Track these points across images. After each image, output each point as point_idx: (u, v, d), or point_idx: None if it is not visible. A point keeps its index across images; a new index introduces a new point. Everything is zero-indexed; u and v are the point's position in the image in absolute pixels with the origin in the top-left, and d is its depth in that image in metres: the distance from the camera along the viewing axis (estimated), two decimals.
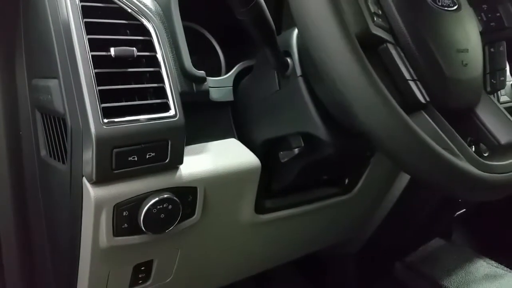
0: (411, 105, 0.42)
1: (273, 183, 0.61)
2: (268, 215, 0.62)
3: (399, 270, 0.97)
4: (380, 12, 0.42)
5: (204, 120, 0.57)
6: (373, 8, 0.41)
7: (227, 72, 0.68)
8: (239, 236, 0.62)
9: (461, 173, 0.38)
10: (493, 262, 0.99)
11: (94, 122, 0.42)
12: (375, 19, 0.40)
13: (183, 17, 0.57)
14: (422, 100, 0.42)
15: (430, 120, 0.42)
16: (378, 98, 0.34)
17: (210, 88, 0.55)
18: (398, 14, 0.42)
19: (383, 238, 0.91)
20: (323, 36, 0.34)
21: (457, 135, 0.42)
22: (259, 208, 0.60)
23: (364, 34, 0.40)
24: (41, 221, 0.58)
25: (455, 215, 1.10)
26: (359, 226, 0.86)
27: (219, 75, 0.68)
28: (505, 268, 0.97)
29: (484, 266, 0.97)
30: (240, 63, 0.61)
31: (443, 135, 0.41)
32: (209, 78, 0.55)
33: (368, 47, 0.40)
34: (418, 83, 0.42)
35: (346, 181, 0.71)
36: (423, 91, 0.42)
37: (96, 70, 0.43)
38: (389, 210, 0.86)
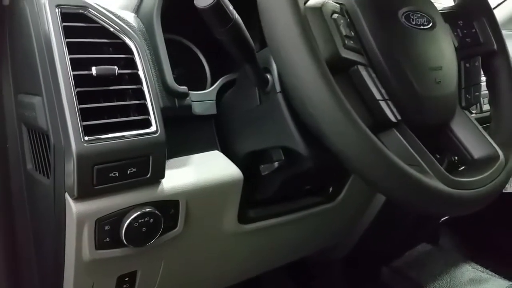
0: (382, 124, 0.43)
1: (256, 193, 0.63)
2: (252, 224, 0.63)
3: (386, 275, 0.99)
4: (353, 34, 0.43)
5: (187, 133, 0.58)
6: (344, 31, 0.42)
7: (212, 84, 0.69)
8: (223, 246, 0.64)
9: (429, 191, 0.39)
10: (479, 266, 1.01)
11: (75, 140, 0.43)
12: (346, 42, 0.42)
13: (169, 30, 0.58)
14: (393, 119, 0.43)
15: (401, 138, 0.43)
16: (346, 122, 0.35)
17: (193, 102, 0.56)
18: (371, 35, 0.44)
19: (370, 243, 0.93)
20: (293, 62, 0.36)
21: (427, 152, 0.43)
22: (243, 218, 0.61)
23: (334, 58, 0.41)
24: (28, 233, 0.59)
25: (441, 220, 1.12)
26: (345, 232, 0.88)
27: (205, 87, 0.70)
28: (490, 273, 0.99)
29: (469, 271, 0.99)
30: (224, 77, 0.62)
31: (413, 152, 0.42)
32: (192, 92, 0.57)
33: (339, 69, 0.42)
34: (389, 102, 0.43)
35: (330, 189, 0.73)
36: (394, 110, 0.43)
37: (77, 89, 0.44)
38: (375, 215, 0.87)
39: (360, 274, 1.01)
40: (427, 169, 0.41)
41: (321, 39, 0.41)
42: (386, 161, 0.37)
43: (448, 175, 0.42)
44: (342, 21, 0.43)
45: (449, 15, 0.55)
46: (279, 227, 0.68)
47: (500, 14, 1.23)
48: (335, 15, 0.42)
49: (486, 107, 0.86)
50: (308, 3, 0.42)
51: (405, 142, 0.42)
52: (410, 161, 0.41)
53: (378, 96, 0.42)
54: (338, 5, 0.45)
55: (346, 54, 0.42)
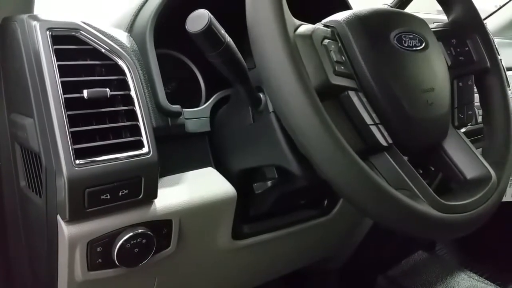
0: (373, 148, 0.43)
1: (250, 209, 0.63)
2: (246, 240, 0.63)
3: (382, 284, 0.99)
4: (344, 59, 0.43)
5: (181, 150, 0.58)
6: (335, 57, 0.42)
7: (207, 99, 0.69)
8: (217, 262, 0.64)
9: (420, 216, 0.39)
10: (474, 275, 1.01)
11: (66, 164, 0.43)
12: (336, 68, 0.42)
13: (164, 44, 0.58)
14: (384, 143, 0.43)
15: (392, 161, 0.43)
16: (335, 150, 0.35)
17: (186, 120, 0.56)
18: (362, 59, 0.43)
19: (366, 253, 0.93)
20: (283, 90, 0.36)
21: (418, 175, 0.43)
22: (237, 234, 0.61)
23: (324, 86, 0.41)
24: (22, 250, 0.59)
25: None
26: (341, 244, 0.88)
27: (199, 101, 0.70)
28: (485, 281, 0.99)
29: (465, 280, 0.99)
30: (217, 93, 0.62)
31: (404, 176, 0.42)
32: (185, 110, 0.57)
33: (330, 96, 0.42)
34: (380, 126, 0.43)
35: (325, 202, 0.73)
36: (385, 133, 0.43)
37: (69, 112, 0.44)
38: (371, 226, 0.87)
39: (357, 284, 1.01)
40: (418, 193, 0.41)
41: (311, 66, 0.40)
42: (375, 188, 0.37)
43: (439, 199, 0.42)
44: (333, 46, 0.42)
45: (442, 33, 0.55)
46: (274, 241, 0.68)
47: (494, 23, 1.23)
48: (326, 41, 0.42)
49: (480, 118, 0.86)
50: (298, 31, 0.42)
51: (396, 166, 0.42)
52: (400, 185, 0.41)
53: (369, 121, 0.42)
54: (329, 29, 0.45)
55: (336, 80, 0.42)
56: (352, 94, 0.42)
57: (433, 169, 0.59)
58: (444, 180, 0.50)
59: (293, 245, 0.74)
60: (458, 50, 0.55)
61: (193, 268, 0.61)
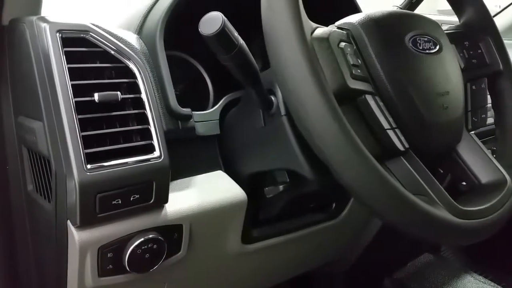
0: (389, 153, 0.42)
1: (260, 213, 0.62)
2: (255, 244, 0.63)
3: (388, 287, 0.98)
4: (360, 62, 0.43)
5: (190, 153, 0.57)
6: (352, 60, 0.41)
7: (215, 101, 0.69)
8: (226, 267, 0.63)
9: (438, 222, 0.38)
10: (481, 277, 1.01)
11: (77, 168, 0.42)
12: (353, 71, 0.41)
13: (172, 47, 0.57)
14: (401, 148, 0.42)
15: (409, 166, 0.42)
16: (354, 156, 0.35)
17: (196, 123, 0.56)
18: (378, 62, 0.43)
19: (372, 255, 0.92)
20: (301, 94, 0.35)
21: (435, 180, 0.43)
22: (246, 238, 0.61)
23: (342, 89, 0.40)
24: (29, 256, 0.58)
25: None
26: (348, 247, 0.87)
27: (207, 104, 0.69)
28: (492, 284, 0.99)
29: (471, 282, 0.99)
30: (227, 96, 0.61)
31: (421, 181, 0.42)
32: (195, 113, 0.56)
33: (347, 99, 0.41)
34: (397, 131, 0.43)
35: (333, 205, 0.72)
36: (402, 138, 0.43)
37: (79, 116, 0.43)
38: (378, 229, 0.87)
39: (363, 287, 1.01)
40: (436, 199, 0.41)
41: (329, 70, 0.40)
42: (393, 194, 0.36)
43: (457, 205, 0.42)
44: (349, 49, 0.42)
45: (454, 36, 0.55)
46: (282, 245, 0.67)
47: (498, 23, 1.22)
48: (342, 44, 0.42)
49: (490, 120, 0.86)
50: (315, 34, 0.41)
51: (413, 171, 0.42)
52: (418, 190, 0.41)
53: (386, 125, 0.42)
54: (344, 32, 0.44)
55: (354, 84, 0.41)
56: (369, 98, 0.42)
57: (446, 173, 0.58)
58: (452, 183, 0.49)
59: (301, 249, 0.74)
60: (471, 52, 0.54)
61: (202, 273, 0.61)
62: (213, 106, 0.61)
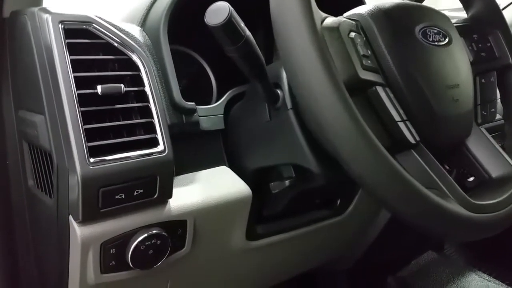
0: (399, 145, 0.41)
1: (265, 209, 0.61)
2: (260, 241, 0.62)
3: (392, 285, 0.98)
4: (370, 53, 0.42)
5: (194, 149, 0.56)
6: (362, 50, 0.40)
7: (218, 95, 0.68)
8: (230, 263, 0.62)
9: (451, 216, 0.38)
10: (485, 275, 1.00)
11: (80, 162, 0.41)
12: (363, 62, 0.40)
13: (175, 41, 0.56)
14: (412, 141, 0.41)
15: (420, 160, 0.41)
16: (367, 148, 0.34)
17: (200, 117, 0.55)
18: (388, 53, 0.42)
19: (376, 253, 0.91)
20: (311, 85, 0.34)
21: (446, 174, 0.42)
22: (251, 235, 0.60)
23: (353, 80, 0.39)
24: (29, 252, 0.57)
25: None
26: (352, 244, 0.86)
27: (210, 99, 0.68)
28: (497, 282, 0.98)
29: (476, 280, 0.98)
30: (231, 90, 0.60)
31: (432, 174, 0.41)
32: (199, 107, 0.55)
33: (357, 90, 0.40)
34: (407, 123, 0.42)
35: (338, 202, 0.71)
36: (413, 131, 0.42)
37: (82, 109, 0.42)
38: (383, 227, 0.86)
39: (366, 285, 1.00)
40: (448, 192, 0.40)
41: (339, 60, 0.39)
42: (406, 187, 0.35)
43: (469, 198, 0.41)
44: (359, 40, 0.41)
45: (463, 29, 0.54)
46: (286, 242, 0.66)
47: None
48: (352, 34, 0.41)
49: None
50: (325, 23, 0.40)
51: (424, 165, 0.41)
52: (429, 184, 0.40)
53: (397, 118, 0.41)
54: (354, 22, 0.43)
55: (365, 75, 0.40)
56: (379, 89, 0.41)
57: (452, 168, 0.57)
58: (457, 180, 0.48)
59: (305, 246, 0.73)
60: (480, 46, 0.53)
61: (206, 270, 0.60)
62: (216, 101, 0.60)
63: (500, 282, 0.99)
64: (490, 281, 0.97)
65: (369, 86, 0.41)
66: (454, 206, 0.38)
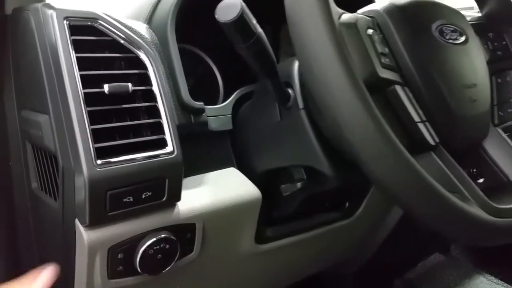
0: (418, 147, 0.40)
1: (274, 211, 0.60)
2: (269, 244, 0.60)
3: (399, 287, 0.96)
4: (387, 51, 0.40)
5: (202, 150, 0.55)
6: (380, 48, 0.39)
7: (225, 94, 0.66)
8: (238, 267, 0.61)
9: (475, 221, 0.36)
10: (493, 278, 0.99)
11: (87, 164, 0.39)
12: (382, 60, 0.39)
13: (181, 40, 0.55)
14: (432, 142, 0.40)
15: (440, 162, 0.40)
16: (388, 149, 0.32)
17: (208, 118, 0.53)
18: (405, 51, 0.41)
19: (383, 256, 0.90)
20: (329, 83, 0.32)
21: (466, 177, 0.40)
22: (259, 238, 0.58)
23: (372, 79, 0.38)
24: (33, 257, 0.55)
25: None
26: (360, 247, 0.85)
27: (217, 98, 0.67)
28: (505, 285, 0.96)
29: (484, 283, 0.97)
30: (239, 89, 0.59)
31: (453, 178, 0.39)
32: (207, 107, 0.53)
33: (376, 89, 0.39)
34: (427, 124, 0.40)
35: (347, 204, 0.70)
36: (432, 132, 0.40)
37: (89, 108, 0.41)
38: (391, 230, 0.84)
39: (373, 287, 0.98)
40: (469, 196, 0.38)
41: (358, 57, 0.37)
42: (428, 190, 0.34)
43: (491, 202, 0.39)
44: (376, 37, 0.40)
45: (478, 27, 0.52)
46: (295, 245, 0.65)
47: None
48: (370, 31, 0.39)
49: None
50: (342, 18, 0.39)
51: (444, 167, 0.39)
52: (450, 187, 0.38)
53: (416, 118, 0.39)
54: (370, 19, 0.42)
55: (384, 73, 0.39)
56: (398, 88, 0.39)
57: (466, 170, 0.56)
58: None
59: (313, 249, 0.71)
60: (495, 44, 0.52)
61: (213, 274, 0.58)
62: (222, 101, 0.58)
63: (508, 285, 0.97)
64: (498, 284, 0.96)
65: (387, 85, 0.39)
66: (477, 211, 0.37)
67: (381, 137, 0.33)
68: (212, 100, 0.65)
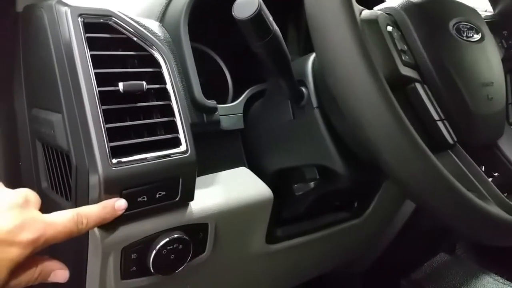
0: (438, 146, 0.40)
1: (284, 211, 0.59)
2: (279, 244, 0.60)
3: (406, 287, 0.96)
4: (406, 48, 0.40)
5: (213, 149, 0.55)
6: (399, 45, 0.39)
7: (234, 94, 0.66)
8: (249, 267, 0.60)
9: (495, 221, 0.36)
10: (499, 278, 0.98)
11: (102, 163, 0.39)
12: (402, 57, 0.38)
13: (191, 38, 0.55)
14: (450, 141, 0.40)
15: (458, 161, 0.40)
16: (412, 151, 0.32)
17: (220, 117, 0.53)
18: (424, 49, 0.40)
19: (390, 256, 0.90)
20: (351, 81, 0.32)
21: (484, 176, 0.40)
22: (270, 238, 0.58)
23: (393, 76, 0.37)
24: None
25: None
26: (368, 246, 0.85)
27: (226, 97, 0.66)
28: (511, 284, 0.96)
29: (490, 283, 0.96)
30: (250, 88, 0.58)
31: (471, 177, 0.39)
32: (218, 106, 0.53)
33: (396, 86, 0.38)
34: (445, 122, 0.40)
35: (355, 204, 0.70)
36: (451, 131, 0.40)
37: (103, 107, 0.40)
38: (399, 230, 0.84)
39: (380, 287, 0.98)
40: (487, 195, 0.38)
41: (379, 55, 0.37)
42: (450, 190, 0.33)
43: (509, 202, 0.39)
44: (395, 34, 0.39)
45: (492, 25, 0.52)
46: (304, 245, 0.64)
47: None
48: (389, 28, 0.39)
49: None
50: (363, 15, 0.38)
51: (462, 166, 0.39)
52: (468, 186, 0.38)
53: (435, 116, 0.39)
54: (388, 16, 0.42)
55: (405, 71, 0.38)
56: (418, 86, 0.39)
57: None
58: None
59: (321, 249, 0.71)
60: (510, 42, 0.52)
61: (224, 274, 0.58)
62: (232, 100, 0.58)
63: None
64: (505, 284, 0.96)
65: (408, 82, 0.39)
66: (496, 210, 0.37)
67: (406, 138, 0.32)
68: (222, 99, 0.65)
